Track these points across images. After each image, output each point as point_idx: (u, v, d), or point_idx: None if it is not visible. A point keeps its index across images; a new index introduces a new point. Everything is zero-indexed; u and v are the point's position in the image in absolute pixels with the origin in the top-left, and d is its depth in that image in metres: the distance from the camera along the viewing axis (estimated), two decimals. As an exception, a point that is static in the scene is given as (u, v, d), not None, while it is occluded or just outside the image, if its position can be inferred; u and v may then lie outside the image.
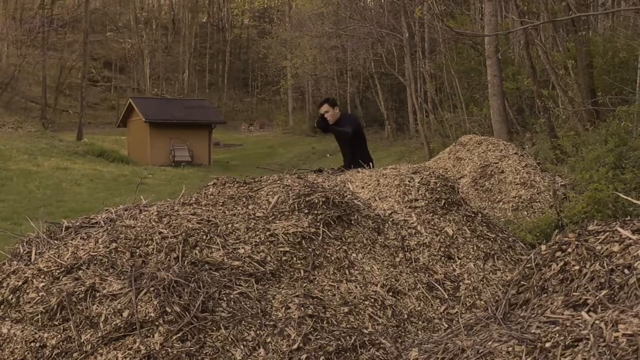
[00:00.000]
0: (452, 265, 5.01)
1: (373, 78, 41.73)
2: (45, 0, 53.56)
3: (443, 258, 5.06)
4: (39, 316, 3.65)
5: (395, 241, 5.06)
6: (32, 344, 3.47)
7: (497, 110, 17.89)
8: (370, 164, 8.18)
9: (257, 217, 4.86)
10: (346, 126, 8.17)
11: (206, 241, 4.42)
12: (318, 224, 4.84)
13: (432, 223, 5.32)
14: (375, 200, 5.57)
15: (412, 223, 5.28)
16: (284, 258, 4.49)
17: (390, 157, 31.16)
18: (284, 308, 3.92)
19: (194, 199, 5.25)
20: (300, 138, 47.92)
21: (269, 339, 3.62)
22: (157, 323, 3.54)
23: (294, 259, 4.51)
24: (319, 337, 3.73)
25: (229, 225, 4.69)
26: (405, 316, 4.36)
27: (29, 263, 4.11)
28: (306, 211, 4.92)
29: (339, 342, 3.72)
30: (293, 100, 59.80)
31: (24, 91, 52.74)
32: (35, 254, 4.20)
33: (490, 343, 2.81)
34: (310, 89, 53.39)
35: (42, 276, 3.92)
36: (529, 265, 3.32)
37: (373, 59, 39.01)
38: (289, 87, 56.48)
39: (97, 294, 3.71)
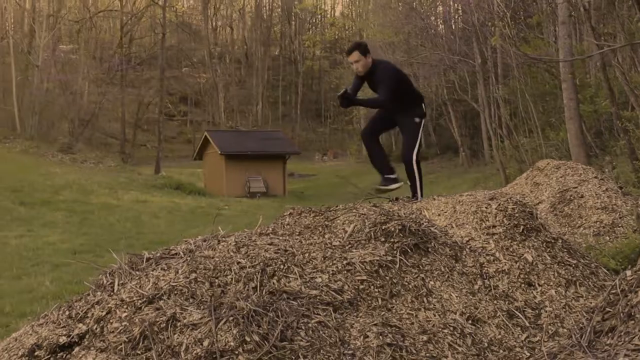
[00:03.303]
0: (532, 292, 4.90)
1: (446, 105, 41.59)
2: (124, 39, 55.31)
3: (523, 285, 4.96)
4: (122, 345, 3.72)
5: (473, 268, 4.99)
6: (117, 373, 3.54)
7: (575, 133, 17.57)
8: (423, 105, 7.59)
9: (334, 246, 4.86)
10: (380, 85, 7.03)
11: (284, 270, 4.43)
12: (395, 252, 4.81)
13: (511, 249, 5.23)
14: (452, 227, 5.51)
15: (491, 250, 5.20)
16: (361, 287, 4.47)
17: (465, 184, 30.86)
18: (362, 337, 3.90)
19: (270, 229, 5.29)
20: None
21: (348, 368, 3.60)
22: (236, 352, 3.56)
23: (372, 287, 4.49)
24: (398, 366, 3.70)
25: (306, 255, 4.71)
26: (486, 345, 4.28)
27: (112, 294, 4.20)
28: (383, 239, 4.90)
29: (419, 371, 3.68)
30: (366, 129, 59.81)
31: (104, 127, 54.46)
32: (118, 285, 4.29)
33: (576, 372, 2.73)
34: (382, 118, 53.21)
35: (125, 306, 4.00)
36: (614, 291, 3.22)
37: (445, 86, 38.90)
38: (361, 116, 56.66)
39: (178, 324, 3.76)
